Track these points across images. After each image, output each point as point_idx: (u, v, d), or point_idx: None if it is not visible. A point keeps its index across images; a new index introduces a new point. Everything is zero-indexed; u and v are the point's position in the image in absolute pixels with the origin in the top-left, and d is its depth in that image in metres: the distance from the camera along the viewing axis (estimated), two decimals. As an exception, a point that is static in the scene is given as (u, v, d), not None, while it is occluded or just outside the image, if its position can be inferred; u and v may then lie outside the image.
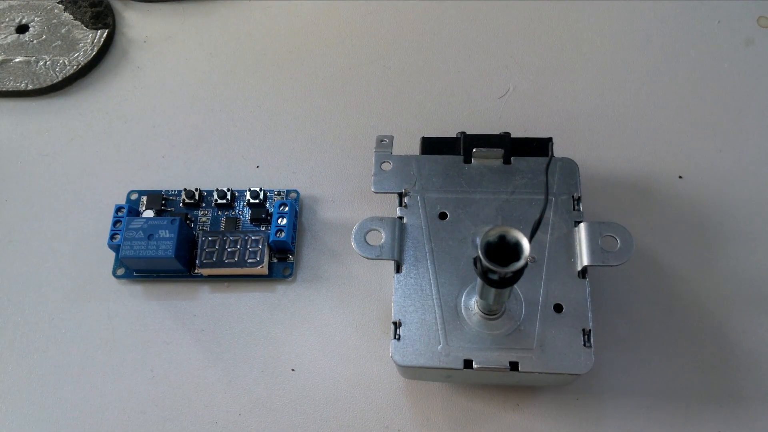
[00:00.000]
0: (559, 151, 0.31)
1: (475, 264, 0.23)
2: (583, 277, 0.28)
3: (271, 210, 0.33)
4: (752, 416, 0.29)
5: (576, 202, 0.29)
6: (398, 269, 0.28)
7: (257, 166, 0.36)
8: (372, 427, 0.29)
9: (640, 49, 0.39)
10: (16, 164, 0.36)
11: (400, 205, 0.30)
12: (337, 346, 0.31)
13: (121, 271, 0.32)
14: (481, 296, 0.25)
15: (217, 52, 0.40)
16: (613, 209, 0.34)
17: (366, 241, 0.28)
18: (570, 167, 0.30)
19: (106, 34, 0.40)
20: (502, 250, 0.22)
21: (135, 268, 0.32)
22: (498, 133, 0.31)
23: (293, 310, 0.32)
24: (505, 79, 0.32)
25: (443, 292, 0.28)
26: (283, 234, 0.32)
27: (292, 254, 0.33)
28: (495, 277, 0.22)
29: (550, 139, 0.31)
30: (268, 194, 0.34)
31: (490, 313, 0.27)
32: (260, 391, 0.30)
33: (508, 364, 0.26)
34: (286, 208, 0.32)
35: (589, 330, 0.27)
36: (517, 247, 0.22)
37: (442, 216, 0.29)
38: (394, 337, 0.27)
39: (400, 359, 0.26)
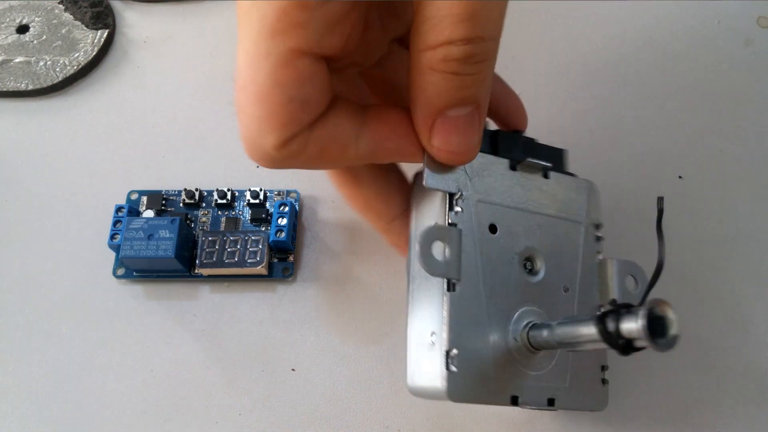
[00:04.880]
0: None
1: (606, 319, 0.20)
2: None
3: (271, 210, 0.33)
4: (752, 416, 0.29)
5: (596, 228, 0.28)
6: (451, 287, 0.24)
7: (257, 166, 0.36)
8: (372, 427, 0.29)
9: (640, 49, 0.39)
10: (16, 164, 0.36)
11: (451, 209, 0.25)
12: (337, 346, 0.31)
13: (121, 271, 0.32)
14: (570, 347, 0.23)
15: (217, 52, 0.40)
16: (613, 209, 0.34)
17: (433, 255, 0.23)
18: (593, 191, 0.28)
19: (106, 34, 0.40)
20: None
21: (135, 268, 0.32)
22: (547, 145, 0.28)
23: (293, 310, 0.32)
24: (504, 79, 0.32)
25: (494, 319, 0.24)
26: (283, 234, 0.32)
27: (292, 254, 0.33)
28: (630, 348, 0.20)
29: (562, 151, 0.28)
30: (268, 194, 0.34)
31: (538, 348, 0.25)
32: (260, 391, 0.30)
33: (546, 402, 0.25)
34: (286, 208, 0.32)
35: (607, 366, 0.26)
36: (664, 321, 0.19)
37: (492, 229, 0.25)
38: (447, 368, 0.23)
39: (457, 395, 0.23)
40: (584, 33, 0.39)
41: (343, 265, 0.33)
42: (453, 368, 0.23)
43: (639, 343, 0.19)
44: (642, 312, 0.19)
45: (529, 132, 0.36)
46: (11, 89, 0.38)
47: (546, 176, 0.27)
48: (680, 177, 0.35)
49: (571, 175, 0.28)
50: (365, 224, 0.33)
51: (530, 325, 0.25)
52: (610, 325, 0.20)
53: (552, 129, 0.36)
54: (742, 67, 0.38)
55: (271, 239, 0.32)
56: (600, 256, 0.27)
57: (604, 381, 0.26)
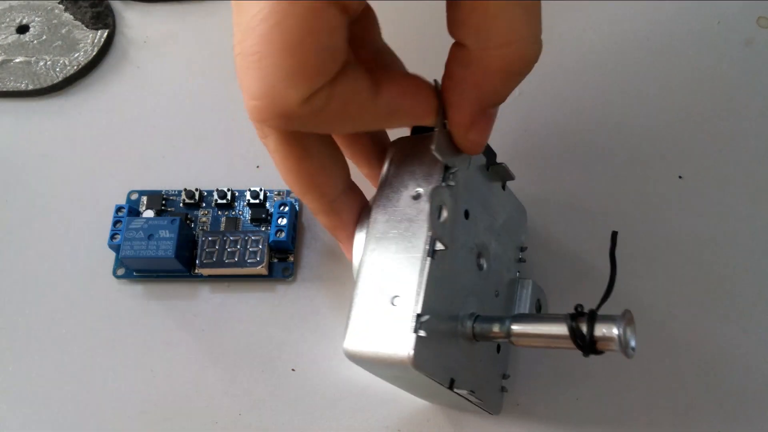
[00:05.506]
0: (557, 149, 0.31)
1: (571, 324, 0.21)
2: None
3: (271, 210, 0.33)
4: (752, 416, 0.29)
5: (521, 251, 0.30)
6: (433, 254, 0.22)
7: (257, 166, 0.36)
8: (372, 427, 0.29)
9: (640, 49, 0.39)
10: (16, 164, 0.36)
11: (445, 181, 0.24)
12: (337, 346, 0.31)
13: (121, 271, 0.32)
14: (522, 341, 0.23)
15: (217, 52, 0.40)
16: (613, 209, 0.34)
17: (439, 218, 0.22)
18: (522, 216, 0.31)
19: (106, 34, 0.40)
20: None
21: (135, 268, 0.32)
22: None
23: (293, 310, 0.32)
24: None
25: (455, 299, 0.24)
26: (283, 234, 0.32)
27: (292, 254, 0.33)
28: (592, 349, 0.21)
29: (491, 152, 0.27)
30: (268, 194, 0.34)
31: (478, 339, 0.25)
32: (260, 391, 0.30)
33: (471, 391, 0.24)
34: (286, 209, 0.32)
35: (508, 375, 0.29)
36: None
37: (466, 215, 0.25)
38: (416, 332, 0.21)
39: (420, 361, 0.21)
40: (584, 33, 0.39)
41: (343, 265, 0.33)
42: (422, 333, 0.21)
43: (604, 346, 0.20)
44: (621, 320, 0.20)
45: (529, 131, 0.36)
46: (11, 89, 0.38)
47: (503, 187, 0.29)
48: (680, 177, 0.35)
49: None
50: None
51: (476, 316, 0.24)
52: (582, 326, 0.21)
53: (552, 129, 0.36)
54: (742, 67, 0.38)
55: (271, 239, 0.32)
56: (518, 274, 0.30)
57: (503, 388, 0.28)
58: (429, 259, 0.22)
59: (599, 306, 0.21)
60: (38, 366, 0.31)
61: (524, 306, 0.28)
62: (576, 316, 0.21)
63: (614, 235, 0.24)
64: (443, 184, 0.23)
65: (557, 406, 0.30)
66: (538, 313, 0.29)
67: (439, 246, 0.22)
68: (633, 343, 0.21)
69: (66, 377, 0.31)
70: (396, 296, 0.22)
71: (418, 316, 0.21)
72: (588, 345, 0.21)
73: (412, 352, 0.21)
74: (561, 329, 0.21)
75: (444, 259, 0.23)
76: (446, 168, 0.24)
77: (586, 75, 0.38)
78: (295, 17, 0.19)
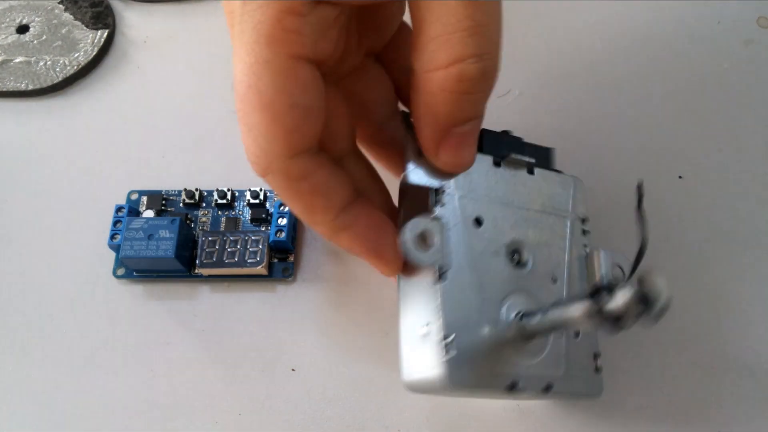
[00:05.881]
0: (557, 149, 0.31)
1: (596, 297, 0.20)
2: None
3: (271, 210, 0.33)
4: (752, 416, 0.29)
5: (583, 222, 0.28)
6: (441, 277, 0.24)
7: (257, 166, 0.36)
8: (372, 427, 0.29)
9: (640, 49, 0.39)
10: (16, 164, 0.36)
11: (436, 204, 0.25)
12: (337, 346, 0.31)
13: (121, 271, 0.32)
14: (563, 328, 0.24)
15: (217, 52, 0.40)
16: (613, 209, 0.34)
17: (419, 245, 0.24)
18: (578, 186, 0.29)
19: (106, 34, 0.40)
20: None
21: (135, 268, 0.32)
22: (534, 144, 0.29)
23: (293, 310, 0.32)
24: (505, 79, 0.32)
25: (485, 307, 0.25)
26: (283, 234, 0.32)
27: (292, 254, 0.33)
28: (620, 324, 0.20)
29: (550, 150, 0.29)
30: (269, 194, 0.34)
31: (531, 336, 0.25)
32: (260, 391, 0.30)
33: (542, 389, 0.25)
34: (286, 208, 0.32)
35: (599, 354, 0.27)
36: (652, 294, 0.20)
37: (478, 222, 0.26)
38: (446, 352, 0.23)
39: (459, 380, 0.23)
40: (584, 33, 0.39)
41: (343, 265, 0.33)
42: (452, 352, 0.23)
43: (627, 319, 0.19)
44: (630, 284, 0.19)
45: (528, 131, 0.36)
46: (11, 89, 0.38)
47: (531, 172, 0.28)
48: (680, 177, 0.35)
49: (558, 171, 0.29)
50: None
51: (521, 313, 0.25)
52: (601, 301, 0.20)
53: (552, 129, 0.36)
54: (742, 67, 0.38)
55: (271, 239, 0.32)
56: (587, 249, 0.28)
57: (597, 369, 0.27)
58: (440, 282, 0.24)
59: (633, 270, 0.21)
60: (38, 366, 0.31)
61: (602, 280, 0.27)
62: (595, 293, 0.20)
63: (640, 187, 0.24)
64: (432, 209, 0.25)
65: (557, 406, 0.30)
66: (568, 297, 0.27)
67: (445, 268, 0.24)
68: (661, 302, 0.19)
69: (66, 377, 0.31)
70: (427, 323, 0.24)
71: (444, 337, 0.23)
72: (611, 322, 0.20)
73: (445, 373, 0.23)
74: (583, 309, 0.21)
75: (461, 276, 0.24)
76: (436, 191, 0.25)
77: (586, 75, 0.38)
78: (266, 78, 0.20)
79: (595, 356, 0.27)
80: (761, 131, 0.36)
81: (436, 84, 0.21)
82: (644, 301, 0.19)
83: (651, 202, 0.34)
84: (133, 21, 0.41)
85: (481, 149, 0.27)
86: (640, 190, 0.24)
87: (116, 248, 0.32)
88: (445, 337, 0.23)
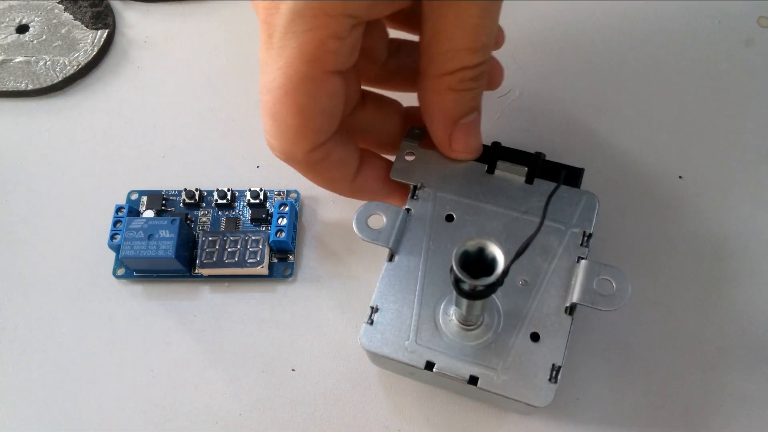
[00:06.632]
0: (557, 150, 0.31)
1: (450, 271, 0.22)
2: (570, 314, 0.27)
3: (271, 210, 0.33)
4: (752, 416, 0.29)
5: (586, 239, 0.28)
6: (391, 258, 0.28)
7: (257, 166, 0.36)
8: (372, 427, 0.29)
9: (640, 49, 0.39)
10: (16, 164, 0.36)
11: (412, 197, 0.29)
12: (337, 346, 0.31)
13: (121, 271, 0.32)
14: (456, 304, 0.25)
15: (217, 52, 0.40)
16: (613, 209, 0.34)
17: (367, 224, 0.28)
18: (590, 202, 0.29)
19: (106, 34, 0.40)
20: (481, 263, 0.22)
21: (135, 268, 0.32)
22: (532, 152, 0.30)
23: (293, 310, 0.32)
24: (505, 79, 0.32)
25: (427, 292, 0.27)
26: (283, 234, 0.32)
27: (292, 254, 0.33)
28: (465, 287, 0.22)
29: (581, 170, 0.30)
30: (268, 194, 0.34)
31: (465, 322, 0.26)
32: (260, 391, 0.30)
33: (467, 377, 0.26)
34: (286, 209, 0.32)
35: (559, 367, 0.26)
36: (493, 263, 0.22)
37: (449, 218, 0.29)
38: (367, 321, 0.27)
39: (366, 343, 0.26)
40: (584, 33, 0.39)
41: (343, 265, 0.33)
42: (372, 321, 0.27)
43: (472, 284, 0.22)
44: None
45: (529, 131, 0.36)
46: (11, 89, 0.38)
47: (530, 181, 0.29)
48: (680, 177, 0.35)
49: (575, 187, 0.29)
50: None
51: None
52: (452, 273, 0.22)
53: (552, 129, 0.36)
54: (742, 67, 0.38)
55: (271, 239, 0.32)
56: (582, 261, 0.27)
57: (551, 379, 0.26)
58: (386, 263, 0.28)
59: (512, 261, 0.22)
60: (38, 366, 0.31)
61: (580, 287, 0.26)
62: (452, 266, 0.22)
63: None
64: (409, 201, 0.29)
65: (557, 406, 0.30)
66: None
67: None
68: (496, 270, 0.21)
69: (66, 377, 0.31)
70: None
71: (371, 308, 0.27)
72: (465, 290, 0.23)
73: (361, 337, 0.27)
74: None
75: (407, 263, 0.28)
76: (415, 187, 0.29)
77: (586, 75, 0.38)
78: (303, 88, 0.24)
79: (554, 366, 0.26)
80: (761, 131, 0.36)
81: (445, 84, 0.26)
82: (458, 281, 0.22)
83: (651, 202, 0.34)
84: (133, 21, 0.41)
85: (481, 160, 0.30)
86: (558, 178, 0.28)
87: (116, 248, 0.32)
88: (371, 307, 0.27)
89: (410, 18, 0.30)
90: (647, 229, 0.33)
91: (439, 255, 0.28)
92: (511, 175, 0.29)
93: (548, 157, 0.30)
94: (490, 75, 0.29)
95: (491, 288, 0.22)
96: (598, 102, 0.37)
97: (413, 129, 0.31)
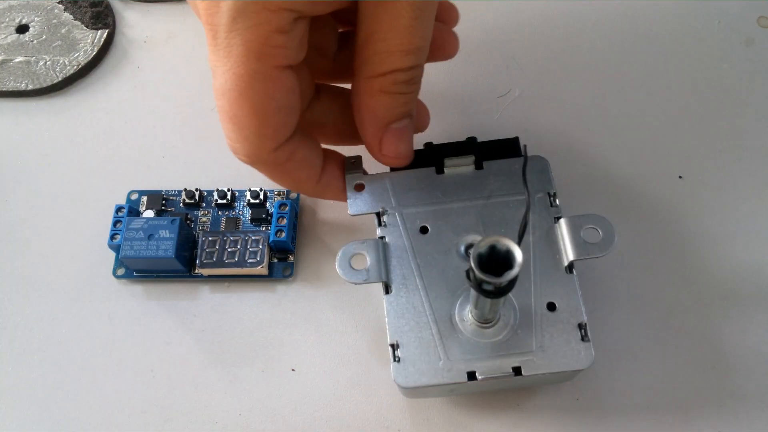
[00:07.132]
0: (557, 149, 0.31)
1: (468, 276, 0.23)
2: (571, 272, 0.27)
3: (272, 210, 0.33)
4: (752, 416, 0.29)
5: (552, 198, 0.29)
6: (387, 290, 0.28)
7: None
8: (372, 427, 0.29)
9: (640, 49, 0.39)
10: (16, 164, 0.36)
11: (380, 225, 0.29)
12: (337, 346, 0.31)
13: (121, 271, 0.32)
14: (477, 307, 0.25)
15: (217, 52, 0.40)
16: (613, 209, 0.34)
17: (351, 267, 0.27)
18: (541, 165, 0.30)
19: (106, 34, 0.40)
20: (494, 260, 0.22)
21: (135, 268, 0.32)
22: (463, 140, 0.30)
23: (293, 310, 0.32)
24: (505, 79, 0.32)
25: (436, 306, 0.27)
26: (284, 234, 0.32)
27: (292, 254, 0.33)
28: (490, 287, 0.22)
29: (516, 139, 0.30)
30: (269, 194, 0.34)
31: (485, 322, 0.26)
32: (260, 391, 0.30)
33: (511, 371, 0.26)
34: (287, 209, 0.32)
35: (585, 323, 0.26)
36: (508, 255, 0.22)
37: (423, 230, 0.29)
38: (394, 360, 0.26)
39: (404, 381, 0.26)
40: (584, 33, 0.39)
41: (343, 265, 0.33)
42: (398, 358, 0.26)
43: (497, 283, 0.22)
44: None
45: (529, 131, 0.36)
46: (11, 89, 0.38)
47: (479, 167, 0.30)
48: (680, 177, 0.35)
49: (519, 156, 0.30)
50: (365, 224, 0.33)
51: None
52: (472, 277, 0.22)
53: (552, 128, 0.36)
54: (742, 67, 0.38)
55: (271, 239, 0.32)
56: (558, 220, 0.28)
57: (583, 338, 0.26)
58: (385, 296, 0.27)
59: (519, 241, 0.23)
60: (38, 366, 0.31)
61: (572, 246, 0.27)
62: (471, 270, 0.22)
63: (524, 147, 0.28)
64: (378, 229, 0.29)
65: (557, 406, 0.30)
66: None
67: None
68: (514, 266, 0.21)
69: (66, 377, 0.31)
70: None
71: (391, 346, 0.26)
72: (486, 290, 0.22)
73: (395, 379, 0.26)
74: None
75: (405, 287, 0.27)
76: (378, 215, 0.29)
77: (586, 75, 0.38)
78: (256, 86, 0.23)
79: (580, 325, 0.26)
80: (761, 131, 0.36)
81: (376, 86, 0.26)
82: (485, 266, 0.22)
83: (651, 202, 0.34)
84: (133, 21, 0.41)
85: (425, 164, 0.30)
86: (525, 151, 0.28)
87: (116, 248, 0.32)
88: (392, 345, 0.26)
89: (355, 17, 0.30)
90: (647, 229, 0.33)
91: (430, 268, 0.28)
92: (460, 168, 0.30)
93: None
94: (417, 117, 0.29)
95: (514, 281, 0.22)
96: (598, 102, 0.37)
97: (348, 160, 0.30)
